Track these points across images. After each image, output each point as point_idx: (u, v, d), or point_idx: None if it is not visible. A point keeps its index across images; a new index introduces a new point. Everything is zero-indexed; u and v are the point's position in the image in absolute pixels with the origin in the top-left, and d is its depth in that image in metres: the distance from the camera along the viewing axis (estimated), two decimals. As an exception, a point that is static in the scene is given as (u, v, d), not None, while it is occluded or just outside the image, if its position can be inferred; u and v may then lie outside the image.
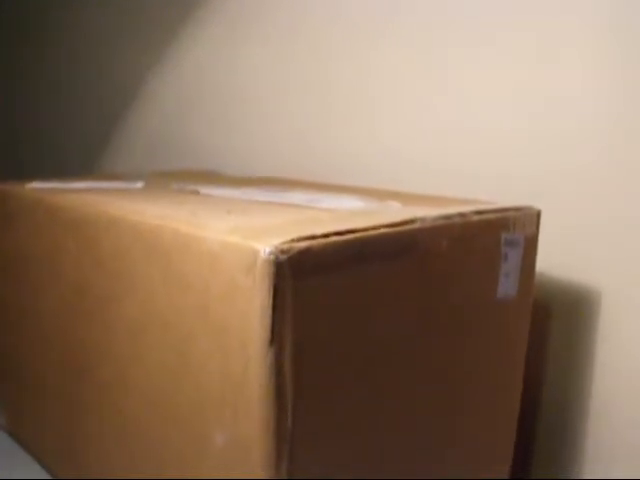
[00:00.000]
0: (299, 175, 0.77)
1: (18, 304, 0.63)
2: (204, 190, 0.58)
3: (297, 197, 0.52)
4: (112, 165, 1.12)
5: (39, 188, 0.60)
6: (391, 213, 0.44)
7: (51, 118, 1.28)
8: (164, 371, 0.43)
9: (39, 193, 0.58)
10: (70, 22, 1.19)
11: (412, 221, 0.41)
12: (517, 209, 0.48)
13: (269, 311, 0.34)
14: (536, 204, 0.50)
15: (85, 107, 1.19)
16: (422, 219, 0.41)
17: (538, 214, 0.50)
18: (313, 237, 0.35)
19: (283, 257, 0.33)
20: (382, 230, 0.39)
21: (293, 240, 0.34)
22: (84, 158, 1.19)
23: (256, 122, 0.85)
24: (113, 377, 0.49)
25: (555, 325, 0.59)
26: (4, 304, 0.66)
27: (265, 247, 0.34)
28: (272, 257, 0.33)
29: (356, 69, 0.71)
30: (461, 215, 0.44)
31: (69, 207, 0.53)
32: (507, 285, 0.49)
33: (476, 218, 0.45)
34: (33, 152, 1.35)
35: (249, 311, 0.35)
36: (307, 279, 0.35)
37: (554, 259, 0.57)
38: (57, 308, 0.56)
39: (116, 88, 1.10)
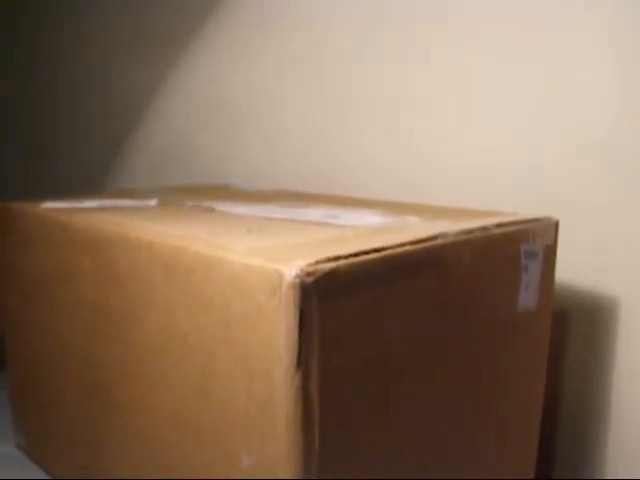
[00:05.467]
0: (311, 186, 0.77)
1: (36, 323, 0.63)
2: (219, 207, 0.57)
3: (315, 213, 0.52)
4: (124, 180, 1.12)
5: (54, 208, 0.60)
6: (413, 229, 0.43)
7: (61, 134, 1.29)
8: (187, 393, 0.42)
9: (54, 213, 0.58)
10: (80, 38, 1.19)
11: (435, 237, 0.40)
12: (536, 220, 0.48)
13: (295, 334, 0.33)
14: (553, 214, 0.50)
15: (94, 122, 1.19)
16: (445, 235, 0.41)
17: (556, 224, 0.49)
18: (338, 258, 0.35)
19: (309, 279, 0.33)
20: (407, 248, 0.38)
21: (318, 262, 0.34)
22: (95, 173, 1.19)
23: (267, 134, 0.85)
24: (135, 398, 0.49)
25: (574, 333, 0.58)
26: (22, 323, 0.66)
27: (290, 269, 0.33)
28: (298, 280, 0.33)
29: (369, 77, 0.71)
30: (482, 229, 0.44)
31: (85, 227, 0.53)
32: (527, 296, 0.48)
33: (497, 231, 0.45)
34: (44, 168, 1.35)
35: (274, 334, 0.34)
36: (333, 301, 0.35)
37: (572, 268, 0.57)
38: (76, 328, 0.56)
39: (125, 103, 1.10)
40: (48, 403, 0.64)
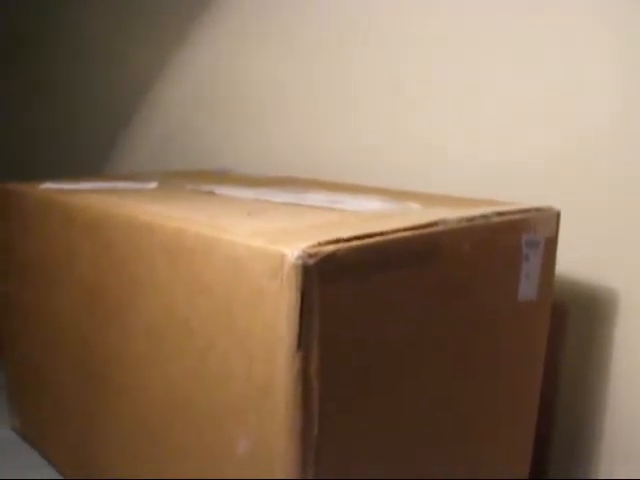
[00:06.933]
0: (311, 173, 0.77)
1: (35, 306, 0.63)
2: (219, 191, 0.57)
3: (316, 198, 0.51)
4: (123, 165, 1.12)
5: (53, 189, 0.60)
6: (414, 215, 0.43)
7: (61, 119, 1.28)
8: (186, 376, 0.42)
9: (53, 194, 0.58)
10: (81, 27, 1.19)
11: (436, 224, 0.40)
12: (537, 210, 0.48)
13: (296, 316, 0.33)
14: (555, 205, 0.49)
15: (96, 107, 1.18)
16: (445, 221, 0.41)
17: (558, 215, 0.49)
18: (339, 241, 0.35)
19: (311, 261, 0.33)
20: (407, 233, 0.38)
21: (320, 244, 0.34)
22: (95, 158, 1.19)
23: (268, 121, 0.84)
24: (133, 381, 0.48)
25: (572, 326, 0.58)
26: (19, 306, 0.66)
27: (293, 251, 0.33)
28: (300, 261, 0.33)
29: (369, 66, 0.71)
30: (483, 217, 0.44)
31: (84, 209, 0.52)
32: (527, 286, 0.48)
33: (497, 219, 0.45)
34: (43, 153, 1.35)
35: (275, 316, 0.34)
36: (334, 283, 0.35)
37: (571, 261, 0.57)
38: (74, 311, 0.55)
39: (127, 88, 1.09)
40: (45, 387, 0.64)
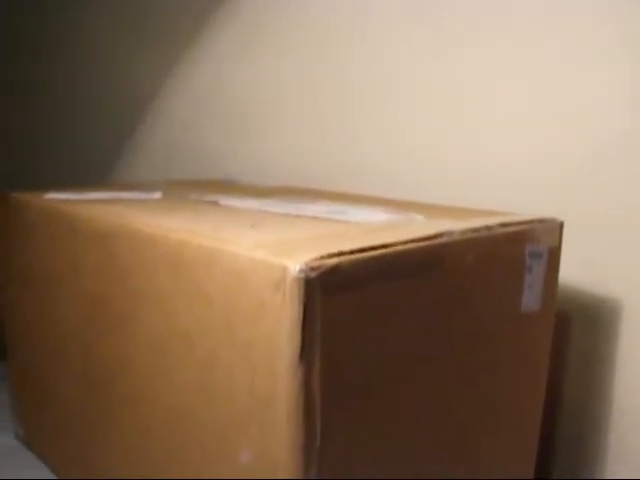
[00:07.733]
0: (315, 183, 0.77)
1: (38, 314, 0.63)
2: (223, 201, 0.57)
3: (319, 209, 0.51)
4: (127, 174, 1.12)
5: (57, 198, 0.60)
6: (417, 227, 0.43)
7: (63, 127, 1.28)
8: (188, 387, 0.42)
9: (58, 204, 0.58)
10: (82, 30, 1.19)
11: (440, 235, 0.40)
12: (541, 221, 0.48)
13: (299, 329, 0.33)
14: (557, 216, 0.49)
15: (97, 117, 1.18)
16: (449, 233, 0.41)
17: (561, 226, 0.49)
18: (342, 253, 0.35)
19: (313, 274, 0.33)
20: (410, 245, 0.38)
21: (323, 257, 0.34)
22: (97, 168, 1.19)
23: (270, 130, 0.85)
24: (135, 392, 0.49)
25: (575, 335, 0.58)
26: (23, 315, 0.66)
27: (295, 264, 0.33)
28: (302, 275, 0.33)
29: (376, 76, 0.71)
30: (486, 228, 0.44)
31: (89, 219, 0.53)
32: (531, 297, 0.48)
33: (501, 231, 0.45)
34: (45, 162, 1.35)
35: (277, 328, 0.34)
36: (336, 296, 0.35)
37: (574, 270, 0.57)
38: (77, 321, 0.56)
39: (128, 98, 1.10)
40: (48, 395, 0.64)
